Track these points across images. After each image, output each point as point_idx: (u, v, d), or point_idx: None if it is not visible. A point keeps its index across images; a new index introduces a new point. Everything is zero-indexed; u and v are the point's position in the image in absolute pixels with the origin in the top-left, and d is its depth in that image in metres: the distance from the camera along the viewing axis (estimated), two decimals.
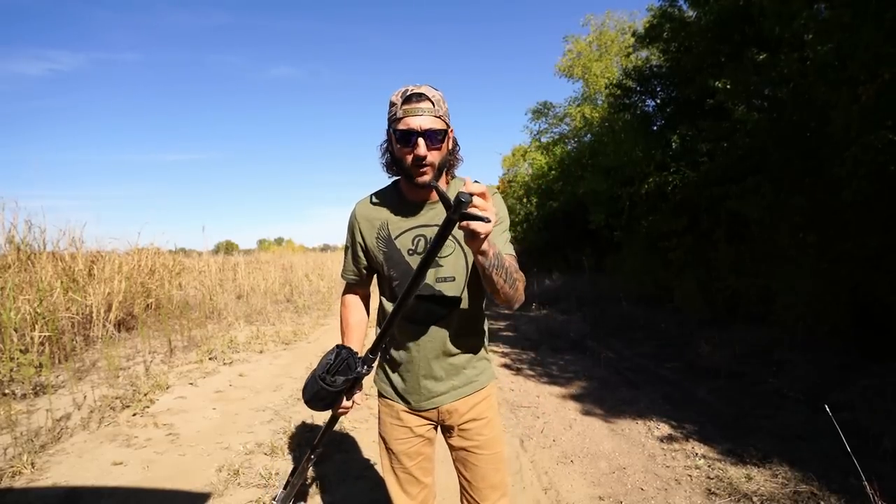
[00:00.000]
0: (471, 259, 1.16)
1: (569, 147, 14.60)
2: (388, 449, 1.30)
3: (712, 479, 2.36)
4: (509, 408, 3.50)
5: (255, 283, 8.99)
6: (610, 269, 9.77)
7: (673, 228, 6.95)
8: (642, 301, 7.70)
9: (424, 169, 1.09)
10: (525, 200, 16.23)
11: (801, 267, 4.62)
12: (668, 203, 7.13)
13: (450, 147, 1.15)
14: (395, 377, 1.27)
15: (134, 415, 3.11)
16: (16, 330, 3.67)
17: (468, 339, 1.24)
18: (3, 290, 3.92)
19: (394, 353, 1.25)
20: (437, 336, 1.20)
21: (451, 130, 1.15)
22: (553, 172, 14.32)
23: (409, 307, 1.08)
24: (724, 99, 5.95)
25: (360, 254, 1.26)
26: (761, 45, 5.66)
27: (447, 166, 1.18)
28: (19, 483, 2.22)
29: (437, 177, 1.12)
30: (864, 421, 2.78)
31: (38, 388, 3.33)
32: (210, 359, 4.58)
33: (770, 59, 5.44)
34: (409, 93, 1.07)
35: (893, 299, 3.74)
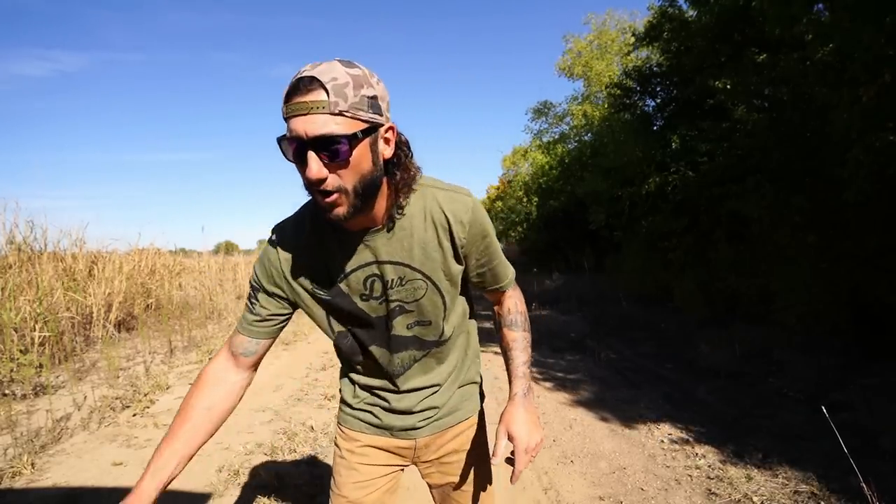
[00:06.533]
0: (449, 295, 0.91)
1: (569, 146, 14.61)
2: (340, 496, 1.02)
3: (712, 479, 2.36)
4: None
5: None
6: (610, 269, 9.77)
7: (673, 228, 6.96)
8: (642, 301, 7.70)
9: (330, 199, 0.72)
10: (525, 200, 16.23)
11: (801, 267, 4.62)
12: (669, 203, 7.13)
13: (383, 155, 0.77)
14: (359, 404, 1.02)
15: (134, 415, 3.11)
16: (16, 330, 3.67)
17: (451, 370, 1.01)
18: (4, 290, 3.92)
19: (358, 378, 1.02)
20: (414, 374, 0.98)
21: (389, 128, 0.77)
22: (553, 172, 14.33)
23: (379, 356, 0.93)
24: (724, 99, 5.95)
25: (275, 304, 0.90)
26: (761, 45, 5.66)
27: (390, 183, 0.81)
28: (19, 483, 2.22)
29: (358, 207, 0.74)
30: (864, 421, 2.78)
31: (38, 389, 3.33)
32: (210, 359, 4.59)
33: (770, 60, 5.44)
34: (296, 78, 0.69)
35: (893, 299, 3.74)
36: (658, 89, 8.00)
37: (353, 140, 0.69)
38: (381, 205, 0.81)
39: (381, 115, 0.73)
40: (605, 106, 11.87)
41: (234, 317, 6.62)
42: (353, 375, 1.02)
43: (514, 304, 1.03)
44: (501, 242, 19.54)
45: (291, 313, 0.95)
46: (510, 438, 0.89)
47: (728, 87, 6.14)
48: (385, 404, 1.00)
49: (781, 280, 4.87)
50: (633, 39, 9.54)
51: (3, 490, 2.15)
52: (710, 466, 2.48)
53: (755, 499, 2.16)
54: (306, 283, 0.89)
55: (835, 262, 4.28)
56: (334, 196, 0.72)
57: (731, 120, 6.11)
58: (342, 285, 0.88)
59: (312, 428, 2.96)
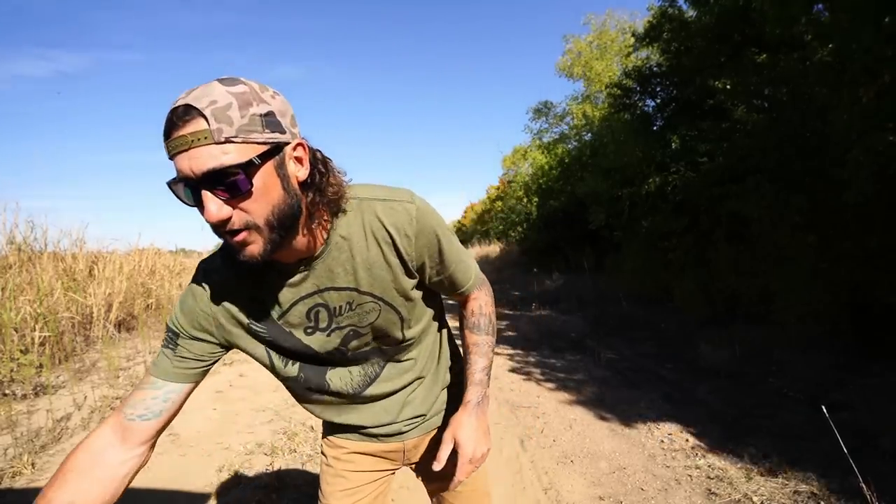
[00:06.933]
0: (405, 309, 0.85)
1: (569, 146, 14.61)
2: None
3: (712, 479, 2.36)
4: (509, 408, 3.50)
5: None
6: (610, 269, 9.77)
7: (673, 229, 6.95)
8: (642, 301, 7.70)
9: (239, 238, 0.63)
10: (525, 200, 16.24)
11: (801, 267, 4.63)
12: (669, 203, 7.13)
13: (297, 176, 0.68)
14: (338, 417, 0.95)
15: None
16: (16, 330, 3.67)
17: (422, 367, 0.95)
18: (4, 290, 3.92)
19: (324, 412, 0.95)
20: (382, 380, 0.91)
21: (298, 145, 0.67)
22: (553, 172, 14.34)
23: (338, 383, 0.88)
24: (724, 99, 5.95)
25: (201, 345, 0.80)
26: (761, 45, 5.66)
27: (310, 207, 0.71)
28: (19, 483, 2.22)
29: (276, 242, 0.66)
30: (864, 421, 2.78)
31: (38, 389, 3.33)
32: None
33: (770, 60, 5.45)
34: (170, 111, 0.59)
35: (893, 299, 3.74)
36: (658, 89, 7.99)
37: (250, 167, 0.60)
38: (309, 230, 0.72)
39: (282, 132, 0.64)
40: (605, 106, 11.87)
41: None
42: (319, 412, 0.94)
43: (478, 306, 0.96)
44: (501, 242, 19.54)
45: (222, 354, 0.83)
46: (456, 446, 0.86)
47: (728, 87, 6.14)
48: (365, 422, 0.94)
49: (781, 280, 4.87)
50: (632, 40, 9.55)
51: (3, 490, 2.15)
52: (709, 466, 2.49)
53: (755, 499, 2.16)
54: (242, 319, 0.79)
55: (835, 262, 4.28)
56: (243, 234, 0.63)
57: (731, 120, 6.11)
58: (281, 322, 0.80)
59: (312, 428, 2.96)
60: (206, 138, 0.58)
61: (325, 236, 0.76)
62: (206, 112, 0.58)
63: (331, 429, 1.01)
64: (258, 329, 0.80)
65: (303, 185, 0.69)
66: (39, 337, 3.80)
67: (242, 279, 0.77)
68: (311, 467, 2.49)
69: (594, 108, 13.33)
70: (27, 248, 4.88)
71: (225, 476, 2.35)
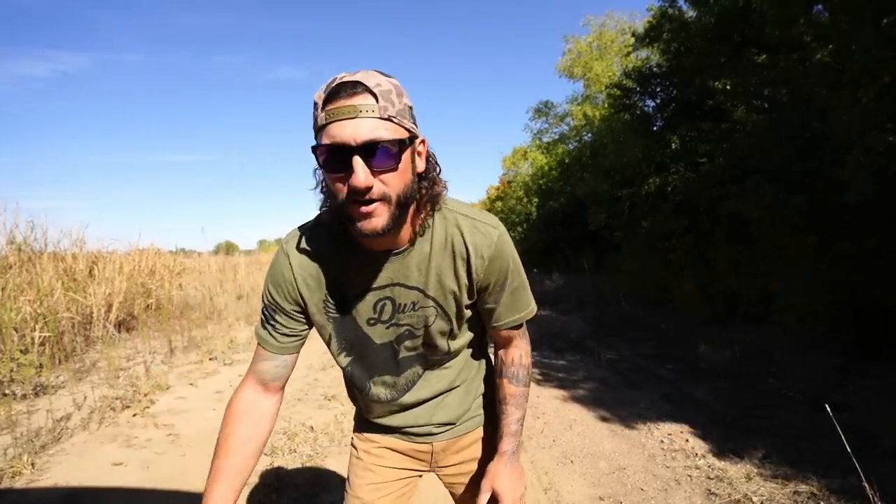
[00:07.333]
0: (458, 322, 0.89)
1: (569, 147, 14.62)
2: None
3: (712, 479, 2.36)
4: None
5: (255, 283, 8.98)
6: (610, 270, 9.78)
7: (673, 229, 6.96)
8: (642, 301, 7.71)
9: (369, 208, 0.68)
10: (525, 201, 16.24)
11: (801, 267, 4.63)
12: (668, 204, 7.14)
13: (417, 167, 0.75)
14: (373, 415, 1.01)
15: (134, 415, 3.11)
16: (16, 330, 3.68)
17: (454, 377, 0.98)
18: (4, 290, 3.92)
19: (366, 403, 0.99)
20: (419, 388, 0.95)
21: (422, 140, 0.75)
22: (553, 172, 14.35)
23: (384, 379, 0.92)
24: (723, 100, 5.96)
25: (295, 321, 0.87)
26: (761, 46, 5.66)
27: (419, 199, 0.77)
28: (19, 483, 2.22)
29: (397, 218, 0.71)
30: (863, 421, 2.79)
31: (38, 389, 3.33)
32: (210, 359, 4.59)
33: (770, 61, 5.45)
34: (336, 83, 0.66)
35: (893, 299, 3.74)
36: (658, 90, 7.99)
37: (402, 145, 0.68)
38: (410, 221, 0.78)
39: (416, 125, 0.72)
40: (605, 106, 11.88)
41: (234, 317, 6.63)
42: (362, 401, 1.00)
43: (519, 355, 0.95)
44: None
45: (310, 328, 0.91)
46: (494, 494, 0.91)
47: (728, 87, 6.14)
48: (398, 423, 0.99)
49: (781, 280, 4.87)
50: (632, 40, 9.55)
51: (3, 490, 2.15)
52: (709, 466, 2.49)
53: (755, 499, 2.16)
54: (320, 294, 0.85)
55: (834, 263, 4.28)
56: (375, 205, 0.68)
57: (731, 121, 6.12)
58: (350, 307, 0.85)
59: (312, 428, 2.96)
60: (372, 111, 0.65)
61: (412, 234, 0.81)
62: (375, 90, 0.65)
63: (364, 425, 1.04)
64: (330, 308, 0.86)
65: (419, 176, 0.76)
66: (39, 337, 3.80)
67: (331, 257, 0.83)
68: (311, 467, 2.49)
69: (594, 109, 13.34)
70: (27, 248, 4.88)
71: None
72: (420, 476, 1.07)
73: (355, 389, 0.97)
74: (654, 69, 7.90)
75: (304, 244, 0.84)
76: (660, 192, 7.21)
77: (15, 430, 2.67)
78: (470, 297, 0.86)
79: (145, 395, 3.42)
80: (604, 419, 3.25)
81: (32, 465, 2.35)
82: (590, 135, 13.43)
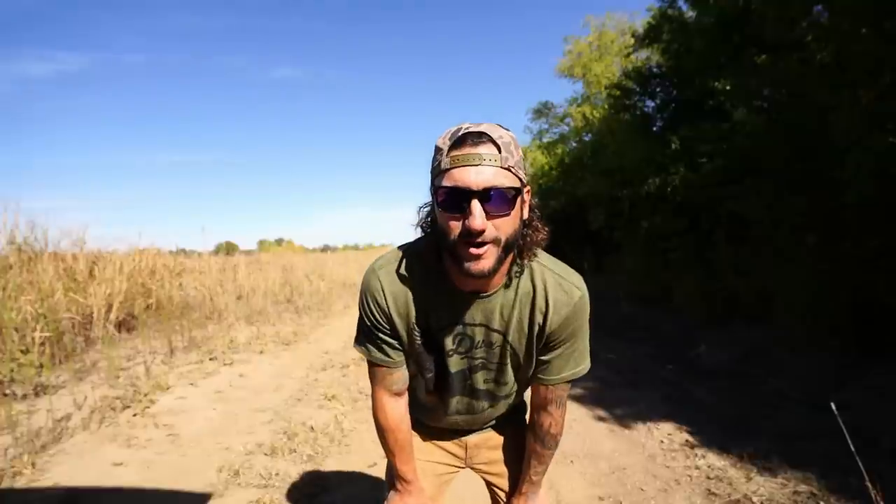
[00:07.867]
0: (525, 364, 0.96)
1: (569, 147, 14.61)
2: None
3: (712, 479, 2.36)
4: None
5: (255, 283, 8.98)
6: (610, 270, 9.78)
7: (673, 229, 6.96)
8: (642, 301, 7.71)
9: (481, 251, 0.74)
10: None
11: (801, 267, 4.62)
12: (668, 204, 7.14)
13: (524, 215, 0.81)
14: (422, 415, 1.13)
15: (134, 415, 3.11)
16: (17, 330, 3.68)
17: (506, 411, 1.11)
18: (5, 290, 3.93)
19: (419, 413, 1.10)
20: (476, 418, 1.07)
21: (528, 190, 0.82)
22: (553, 172, 14.34)
23: (451, 401, 1.02)
24: (723, 100, 5.95)
25: (395, 338, 0.94)
26: (761, 46, 5.66)
27: (519, 246, 0.83)
28: (20, 483, 2.22)
29: (500, 260, 0.77)
30: (864, 421, 2.78)
31: (38, 389, 3.33)
32: (210, 359, 4.59)
33: (770, 61, 5.45)
34: (461, 132, 0.74)
35: (893, 299, 3.74)
36: (658, 90, 7.99)
37: (517, 193, 0.75)
38: (507, 266, 0.84)
39: (525, 176, 0.80)
40: (605, 107, 11.88)
41: (235, 317, 6.63)
42: (420, 408, 1.09)
43: (551, 424, 1.03)
44: None
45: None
46: None
47: (728, 88, 6.14)
48: (443, 425, 1.11)
49: (781, 280, 4.87)
50: (632, 41, 9.55)
51: (4, 490, 2.15)
52: (709, 467, 2.49)
53: (755, 499, 2.16)
54: (407, 322, 0.91)
55: (834, 263, 4.28)
56: (487, 247, 0.74)
57: (731, 121, 6.11)
58: (435, 337, 0.91)
59: (312, 428, 2.96)
60: (494, 161, 0.72)
61: (504, 281, 0.87)
62: (501, 142, 0.73)
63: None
64: (415, 335, 0.93)
65: (523, 223, 0.83)
66: (40, 337, 3.79)
67: (422, 290, 0.89)
68: (312, 467, 2.49)
69: (594, 109, 13.33)
70: (28, 248, 4.88)
71: (225, 476, 2.35)
72: (457, 471, 1.18)
73: (418, 398, 1.06)
74: (654, 70, 7.91)
75: (398, 271, 0.89)
76: (660, 193, 7.21)
77: (15, 430, 2.67)
78: (538, 345, 0.92)
79: (145, 395, 3.43)
80: (603, 419, 3.25)
81: (33, 465, 2.35)
82: (590, 135, 13.43)
